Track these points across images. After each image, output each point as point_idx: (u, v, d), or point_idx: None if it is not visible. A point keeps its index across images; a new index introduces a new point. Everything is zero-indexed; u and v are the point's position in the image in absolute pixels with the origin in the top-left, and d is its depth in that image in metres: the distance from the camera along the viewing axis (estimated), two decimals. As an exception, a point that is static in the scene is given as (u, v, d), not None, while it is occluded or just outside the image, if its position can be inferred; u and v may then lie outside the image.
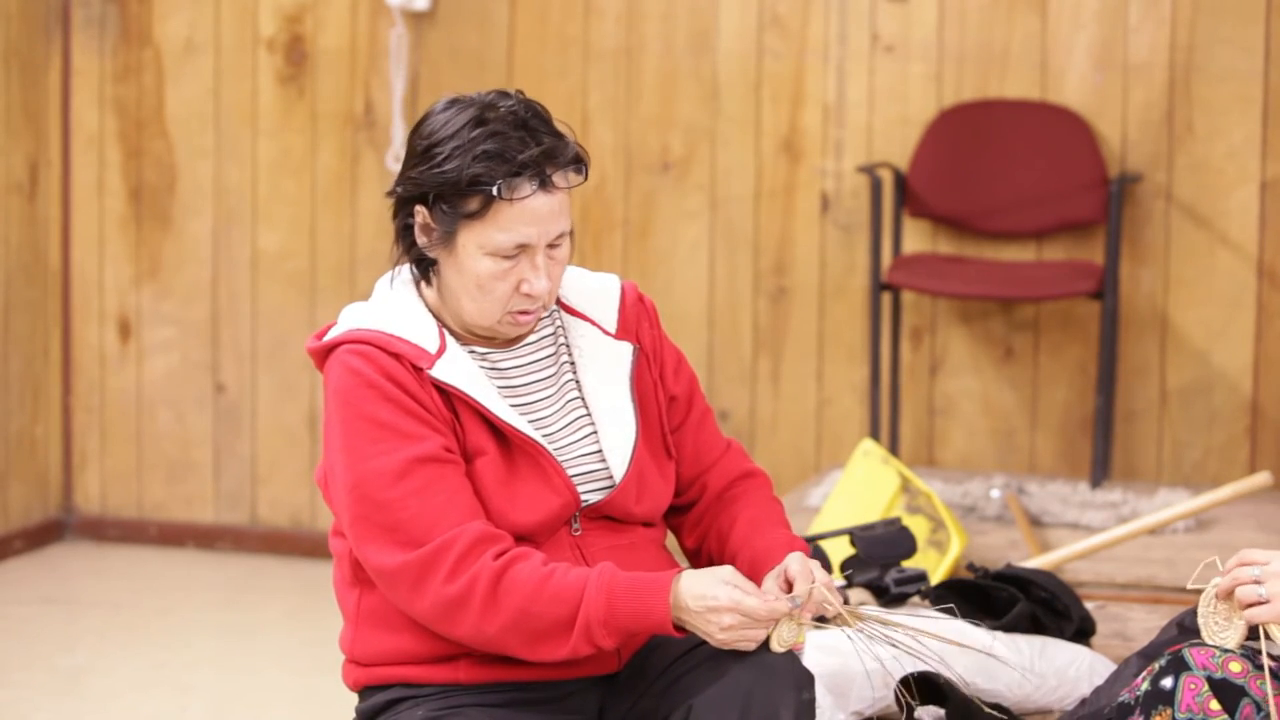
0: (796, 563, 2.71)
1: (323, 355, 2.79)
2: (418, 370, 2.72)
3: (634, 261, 5.64)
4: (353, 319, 2.80)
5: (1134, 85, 5.37)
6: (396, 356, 2.72)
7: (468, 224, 2.71)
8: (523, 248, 2.72)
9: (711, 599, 2.63)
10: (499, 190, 2.68)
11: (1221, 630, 2.65)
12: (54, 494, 6.05)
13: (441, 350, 2.75)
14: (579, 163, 2.75)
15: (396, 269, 2.84)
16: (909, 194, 5.46)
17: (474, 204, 2.70)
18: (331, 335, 2.79)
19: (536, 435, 2.76)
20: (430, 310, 2.80)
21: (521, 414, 2.79)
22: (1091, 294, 5.17)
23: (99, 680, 4.85)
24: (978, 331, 5.51)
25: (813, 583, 2.67)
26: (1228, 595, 2.64)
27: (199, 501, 6.00)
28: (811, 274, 5.58)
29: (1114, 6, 5.37)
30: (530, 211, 2.70)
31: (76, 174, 5.98)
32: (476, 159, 2.69)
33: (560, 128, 2.76)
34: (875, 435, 5.32)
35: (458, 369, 2.74)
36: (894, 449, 5.40)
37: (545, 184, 2.71)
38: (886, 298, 5.44)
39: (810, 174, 5.57)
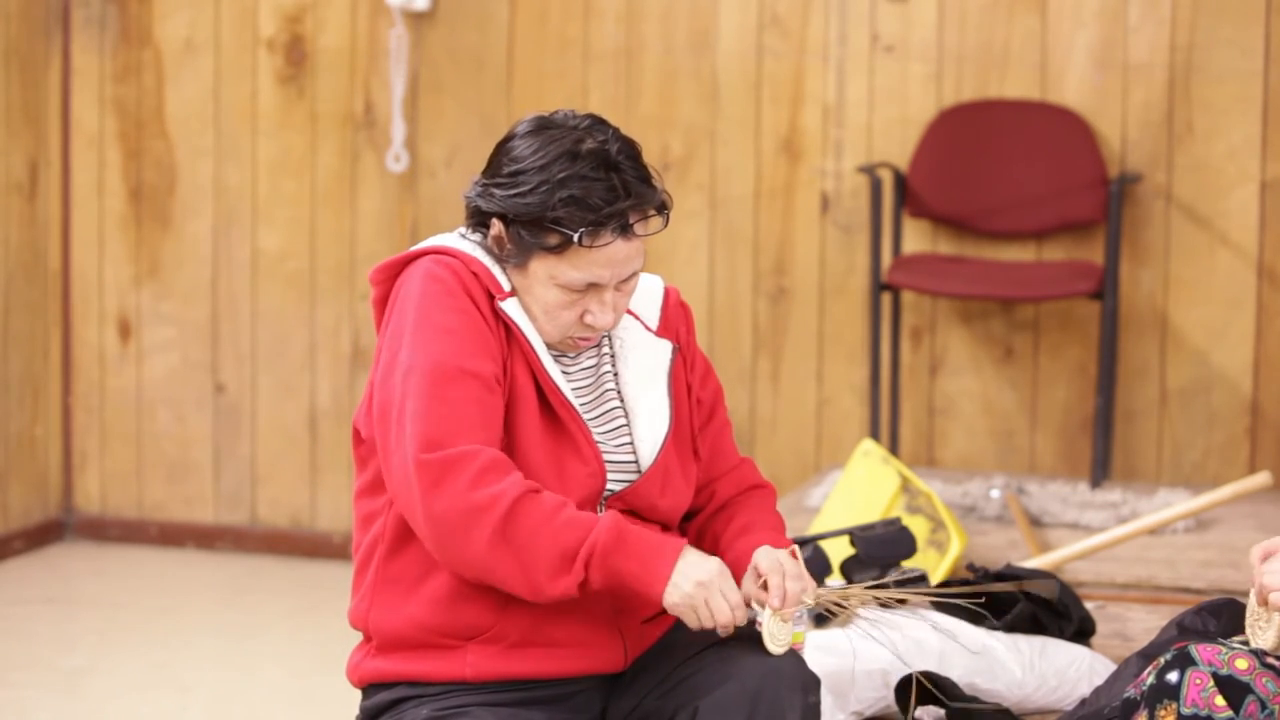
0: (764, 558, 2.73)
1: (396, 270, 2.82)
2: (490, 297, 2.76)
3: (634, 261, 5.63)
4: (435, 240, 2.84)
5: (1134, 85, 5.37)
6: (476, 276, 2.77)
7: (543, 255, 2.74)
8: (593, 285, 2.75)
9: (700, 567, 2.65)
10: (580, 239, 2.70)
11: (1263, 633, 2.66)
12: (54, 494, 6.04)
13: (513, 293, 2.79)
14: (662, 209, 2.77)
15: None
16: (909, 194, 5.46)
17: (553, 240, 2.72)
18: (412, 250, 2.82)
19: (576, 402, 2.79)
20: None
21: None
22: (1091, 294, 5.17)
23: (99, 680, 4.85)
24: (978, 331, 5.51)
25: (782, 577, 2.68)
26: (1264, 600, 2.65)
27: (199, 501, 6.00)
28: (811, 274, 5.58)
29: (1114, 6, 5.37)
30: (607, 256, 2.73)
31: (76, 174, 5.98)
32: (563, 202, 2.70)
33: (649, 170, 2.76)
34: (875, 435, 5.32)
35: (523, 317, 2.78)
36: (894, 449, 5.40)
37: (626, 232, 2.72)
38: (886, 298, 5.44)
39: (810, 174, 5.57)
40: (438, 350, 2.70)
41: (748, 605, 2.74)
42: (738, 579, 2.74)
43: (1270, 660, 2.61)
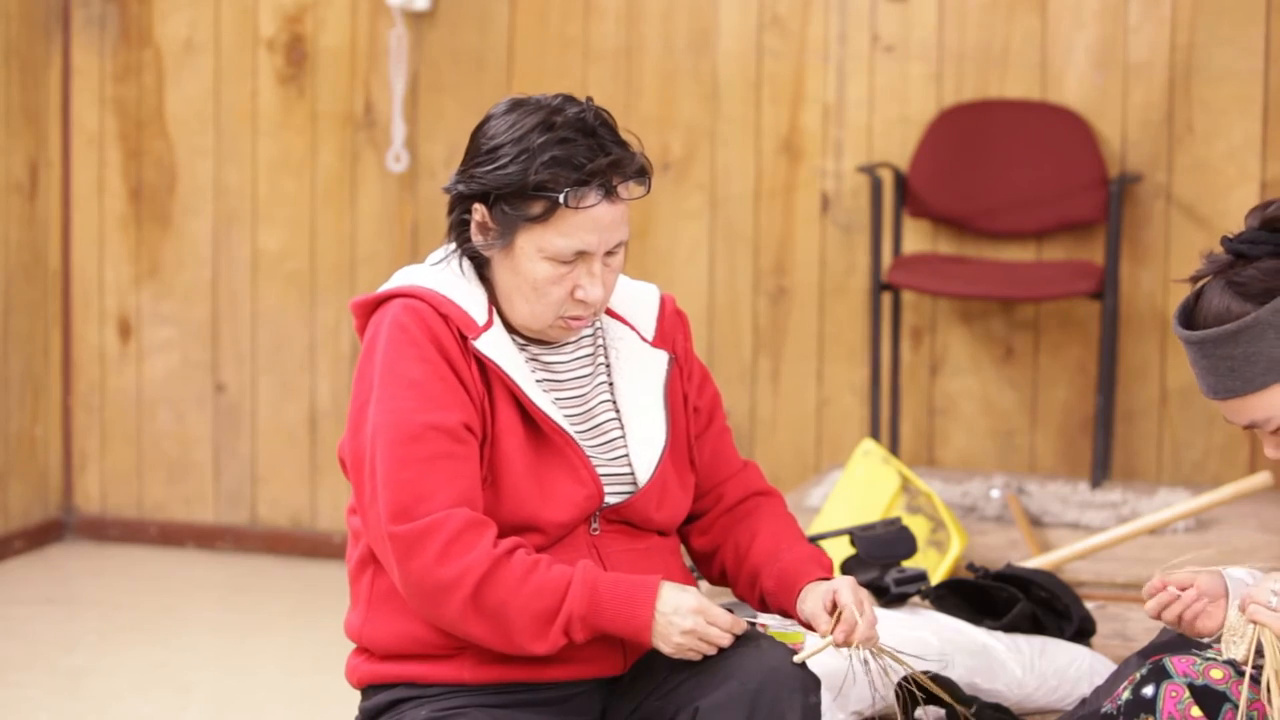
0: (847, 592, 2.73)
1: (370, 309, 2.80)
2: (463, 338, 2.74)
3: (634, 261, 5.63)
4: (407, 277, 2.81)
5: (1134, 85, 5.37)
6: (445, 318, 2.74)
7: (529, 227, 2.72)
8: (581, 254, 2.74)
9: (680, 610, 2.66)
10: (565, 199, 2.69)
11: (1236, 646, 2.65)
12: (54, 494, 6.05)
13: (489, 325, 2.76)
14: (643, 174, 2.76)
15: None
16: (909, 194, 5.46)
17: (538, 208, 2.71)
18: (383, 289, 2.80)
19: (567, 425, 2.77)
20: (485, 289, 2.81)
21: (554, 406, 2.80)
22: (1091, 294, 5.17)
23: (99, 680, 4.85)
24: (978, 331, 5.51)
25: (860, 616, 2.70)
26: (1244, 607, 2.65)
27: (199, 501, 6.00)
28: (811, 274, 5.58)
29: (1114, 6, 5.37)
30: (593, 220, 2.71)
31: (76, 174, 5.98)
32: (544, 165, 2.69)
33: (626, 137, 2.76)
34: (875, 435, 5.32)
35: (501, 347, 2.76)
36: (894, 449, 5.40)
37: (610, 194, 2.72)
38: (886, 298, 5.44)
39: (810, 174, 5.57)
40: (401, 406, 2.70)
41: (803, 624, 2.76)
42: (791, 592, 2.77)
43: (1243, 669, 2.61)
